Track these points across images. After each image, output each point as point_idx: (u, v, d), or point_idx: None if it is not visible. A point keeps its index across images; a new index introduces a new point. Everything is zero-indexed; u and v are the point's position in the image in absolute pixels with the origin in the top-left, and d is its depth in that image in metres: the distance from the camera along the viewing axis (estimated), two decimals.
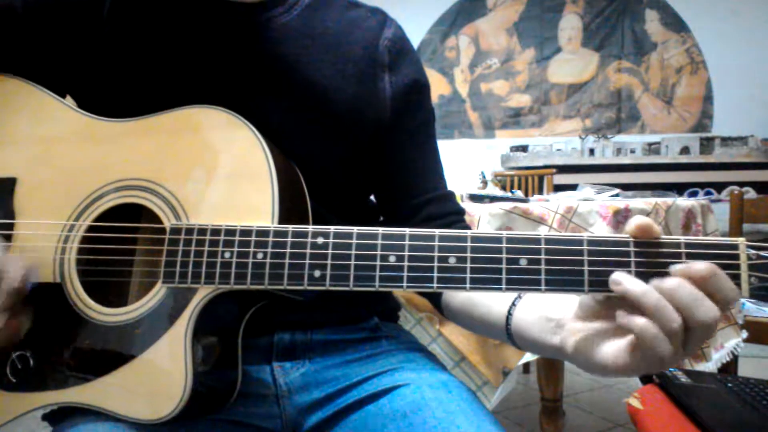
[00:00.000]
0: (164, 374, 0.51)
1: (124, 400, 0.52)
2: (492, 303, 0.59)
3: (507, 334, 0.56)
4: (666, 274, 0.42)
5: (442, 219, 0.72)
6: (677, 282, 0.41)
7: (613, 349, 0.44)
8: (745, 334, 1.44)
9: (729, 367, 1.44)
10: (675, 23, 4.74)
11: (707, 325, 0.41)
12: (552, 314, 0.51)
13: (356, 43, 0.69)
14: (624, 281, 0.43)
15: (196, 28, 0.64)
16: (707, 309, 0.41)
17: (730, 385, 0.94)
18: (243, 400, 0.59)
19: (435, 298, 0.71)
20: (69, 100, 0.63)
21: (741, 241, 0.43)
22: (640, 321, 0.41)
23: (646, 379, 1.00)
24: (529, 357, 1.23)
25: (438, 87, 5.01)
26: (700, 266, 0.41)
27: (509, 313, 0.56)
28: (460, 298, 0.65)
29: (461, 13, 5.05)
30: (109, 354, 0.53)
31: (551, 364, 1.32)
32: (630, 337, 0.44)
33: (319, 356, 0.66)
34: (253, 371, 0.63)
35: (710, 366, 1.35)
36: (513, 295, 0.57)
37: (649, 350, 0.41)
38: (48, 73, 0.64)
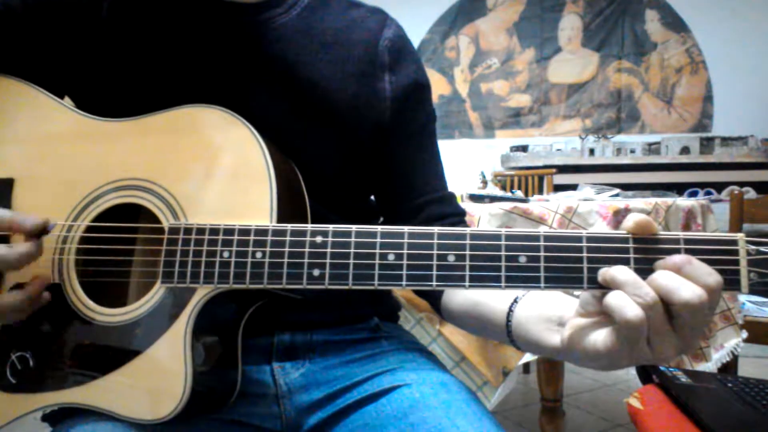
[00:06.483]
0: (164, 374, 0.51)
1: (123, 400, 0.52)
2: (492, 302, 0.59)
3: (507, 332, 0.56)
4: None
5: (442, 220, 0.71)
6: (657, 272, 0.42)
7: (604, 334, 0.44)
8: (745, 334, 1.44)
9: (729, 367, 1.44)
10: (675, 23, 4.74)
11: (693, 306, 0.40)
12: (553, 312, 0.51)
13: (356, 43, 0.69)
14: (605, 270, 0.43)
15: (194, 29, 0.64)
16: (689, 288, 0.40)
17: (730, 385, 0.94)
18: (243, 400, 0.59)
19: (433, 299, 0.70)
20: (67, 100, 0.63)
21: (740, 236, 0.42)
22: (611, 294, 0.42)
23: (646, 379, 1.00)
24: (528, 357, 1.23)
25: (438, 87, 5.01)
26: (675, 257, 0.42)
27: (510, 310, 0.56)
28: (459, 298, 0.65)
29: (461, 13, 5.05)
30: (109, 354, 0.53)
31: (551, 364, 1.32)
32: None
33: (319, 356, 0.66)
34: (253, 371, 0.63)
35: (710, 366, 1.35)
36: (514, 293, 0.57)
37: (621, 321, 0.41)
38: (46, 73, 0.63)
